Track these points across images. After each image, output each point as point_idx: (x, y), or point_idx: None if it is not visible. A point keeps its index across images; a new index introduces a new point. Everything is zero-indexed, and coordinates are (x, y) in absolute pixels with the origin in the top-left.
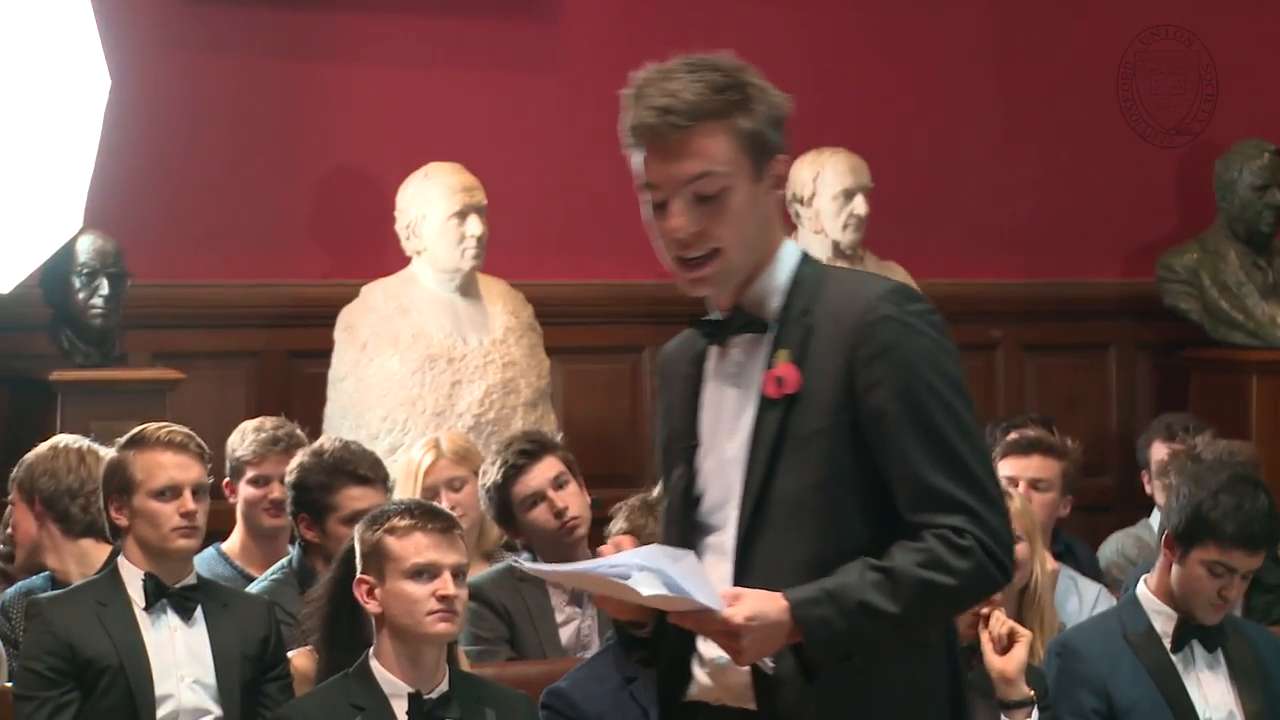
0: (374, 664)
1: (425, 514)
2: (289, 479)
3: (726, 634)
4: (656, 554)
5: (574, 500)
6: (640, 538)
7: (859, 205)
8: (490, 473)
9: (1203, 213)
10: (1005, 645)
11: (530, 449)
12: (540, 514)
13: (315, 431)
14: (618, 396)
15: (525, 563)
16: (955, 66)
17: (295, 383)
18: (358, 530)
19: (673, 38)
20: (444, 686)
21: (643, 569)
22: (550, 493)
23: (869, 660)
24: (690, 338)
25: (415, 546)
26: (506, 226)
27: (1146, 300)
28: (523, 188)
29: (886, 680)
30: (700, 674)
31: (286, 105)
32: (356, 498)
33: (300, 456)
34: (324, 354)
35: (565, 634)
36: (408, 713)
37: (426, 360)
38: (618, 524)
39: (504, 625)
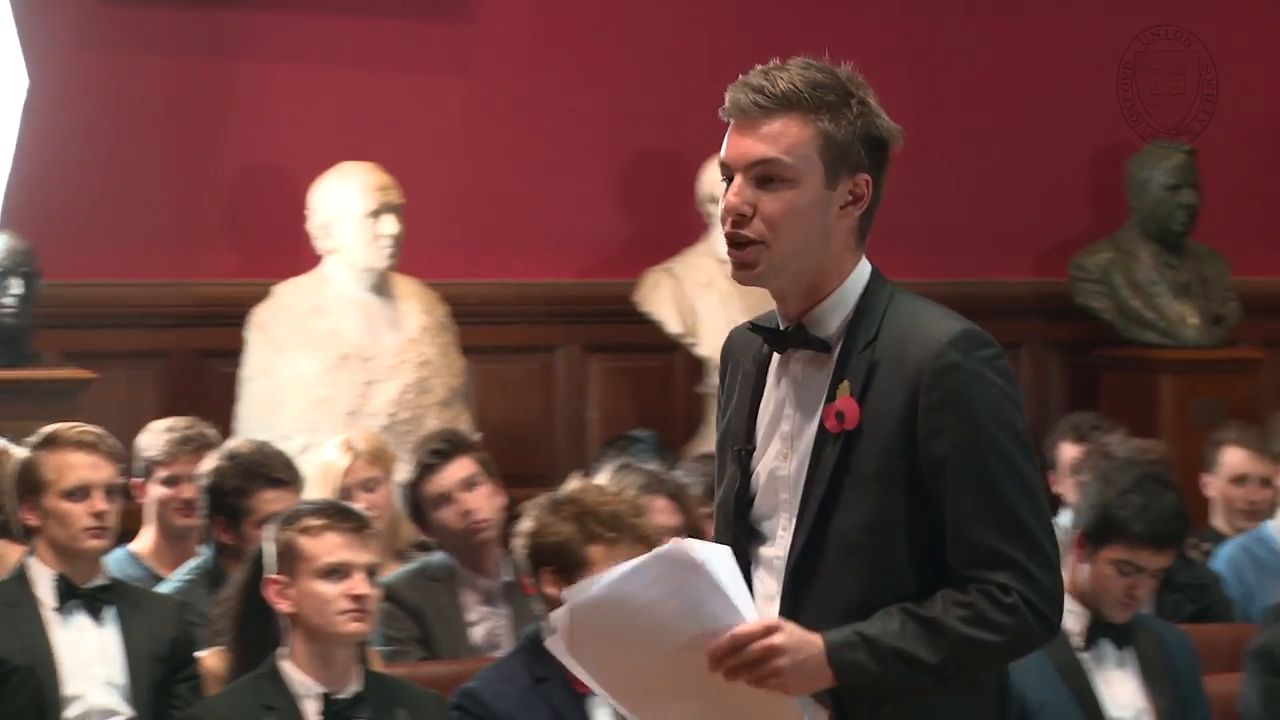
0: (285, 664)
1: (338, 514)
2: (203, 483)
3: (763, 666)
4: (693, 544)
5: (484, 502)
6: (545, 536)
7: None
8: (406, 471)
9: (1115, 213)
10: None
11: (443, 449)
12: (448, 514)
13: (226, 431)
14: (531, 396)
15: (570, 596)
16: (870, 68)
17: (207, 382)
18: (269, 530)
19: (586, 38)
20: (356, 686)
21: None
22: (458, 494)
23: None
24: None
25: (328, 546)
26: (421, 225)
27: (1059, 299)
28: (437, 187)
29: (936, 714)
30: None
31: (199, 104)
32: (272, 500)
33: (214, 460)
34: (236, 354)
35: (477, 634)
36: (319, 713)
37: (339, 360)
38: (525, 523)
39: (416, 625)
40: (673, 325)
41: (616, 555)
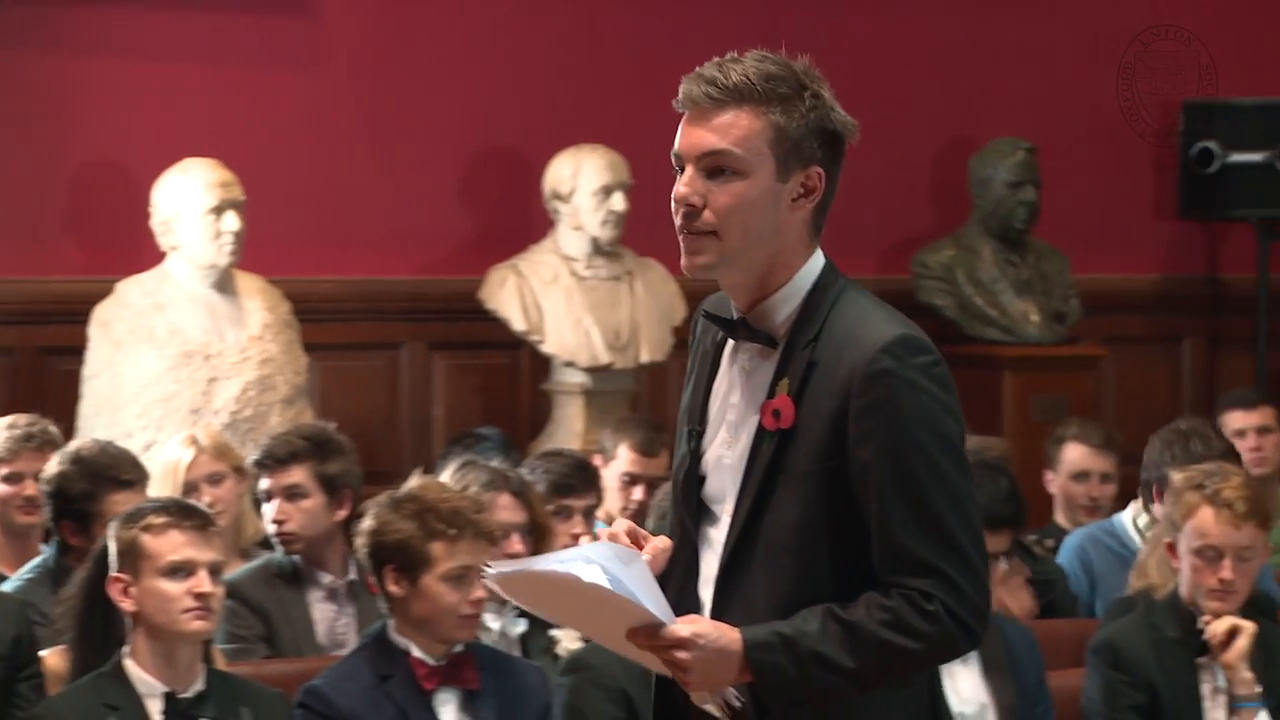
0: (128, 663)
1: (181, 511)
2: (47, 488)
3: (671, 655)
4: (605, 552)
5: (296, 515)
6: (386, 534)
7: (617, 202)
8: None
9: (958, 210)
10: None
11: (282, 456)
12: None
13: (69, 429)
14: (375, 393)
15: (492, 569)
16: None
17: (49, 380)
18: (112, 528)
19: (430, 34)
20: (199, 685)
21: (590, 562)
22: (278, 499)
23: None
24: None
25: (171, 544)
26: (264, 222)
27: (901, 296)
28: (280, 183)
29: (865, 712)
30: None
31: (40, 99)
32: (121, 503)
33: (58, 464)
34: (78, 351)
35: (321, 632)
36: (163, 712)
37: (182, 357)
38: (366, 522)
39: (260, 623)
40: (518, 322)
41: (458, 552)
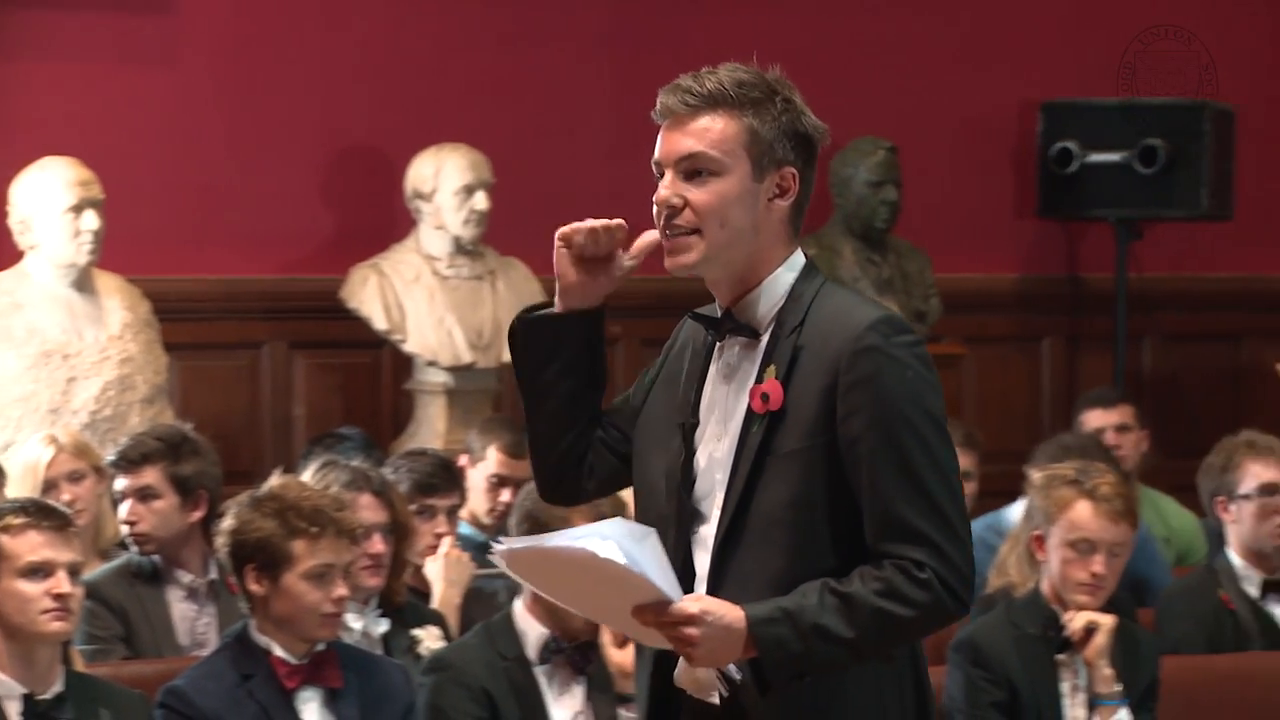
0: None
1: (39, 512)
2: None
3: (679, 631)
4: (620, 528)
5: (147, 515)
6: (246, 533)
7: (480, 201)
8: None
9: (818, 209)
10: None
11: (134, 457)
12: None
13: None
14: (236, 393)
15: (503, 544)
16: (576, 63)
17: None
18: None
19: (290, 32)
20: (58, 687)
21: (605, 538)
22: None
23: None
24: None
25: (29, 545)
26: (123, 221)
27: None
28: (140, 182)
29: (852, 691)
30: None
31: None
32: None
33: None
34: None
35: (182, 632)
36: (21, 714)
37: (41, 356)
38: (227, 521)
39: (120, 624)
40: (380, 321)
41: (319, 550)
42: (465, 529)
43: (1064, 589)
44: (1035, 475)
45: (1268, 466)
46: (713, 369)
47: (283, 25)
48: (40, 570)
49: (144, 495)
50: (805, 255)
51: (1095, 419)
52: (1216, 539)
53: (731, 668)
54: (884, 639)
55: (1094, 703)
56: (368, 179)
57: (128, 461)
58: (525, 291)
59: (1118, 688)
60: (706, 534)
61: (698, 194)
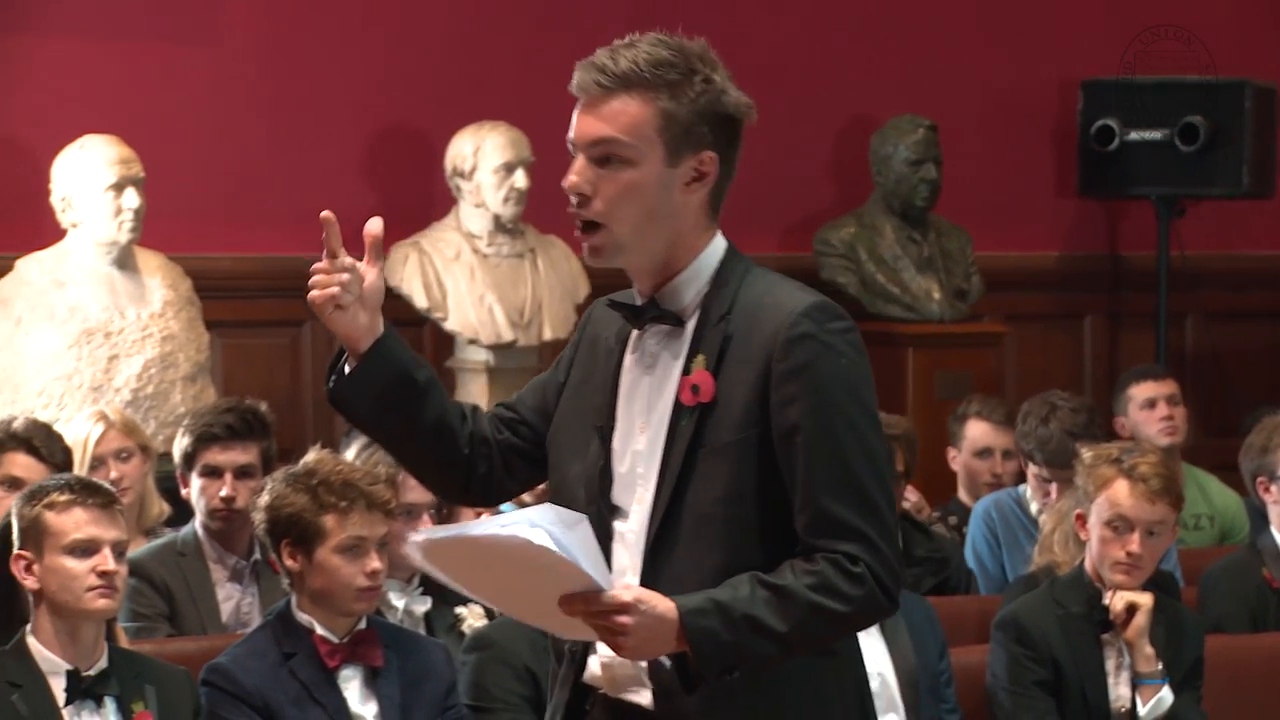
0: (31, 641)
1: (85, 489)
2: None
3: (610, 620)
4: (549, 514)
5: (244, 493)
6: (280, 509)
7: (519, 179)
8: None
9: (859, 187)
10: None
11: (238, 429)
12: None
13: None
14: (278, 371)
15: (420, 535)
16: (610, 39)
17: None
18: (15, 505)
19: (330, 10)
20: (103, 663)
21: (535, 525)
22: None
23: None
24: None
25: (75, 522)
26: (164, 199)
27: (804, 274)
28: (181, 160)
29: (793, 686)
30: (594, 663)
31: None
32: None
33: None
34: None
35: (226, 610)
36: (65, 690)
37: (83, 334)
38: (263, 498)
39: (164, 601)
40: (420, 300)
41: (350, 524)
42: (507, 506)
43: (1102, 567)
44: (1084, 454)
45: None
46: (629, 360)
47: (323, 2)
48: (85, 548)
49: (242, 472)
50: (726, 239)
51: (1147, 390)
52: (1260, 518)
53: (664, 662)
54: (816, 634)
55: (1136, 682)
56: (408, 157)
57: (233, 435)
58: (565, 269)
59: (1159, 666)
60: (625, 529)
61: (608, 183)
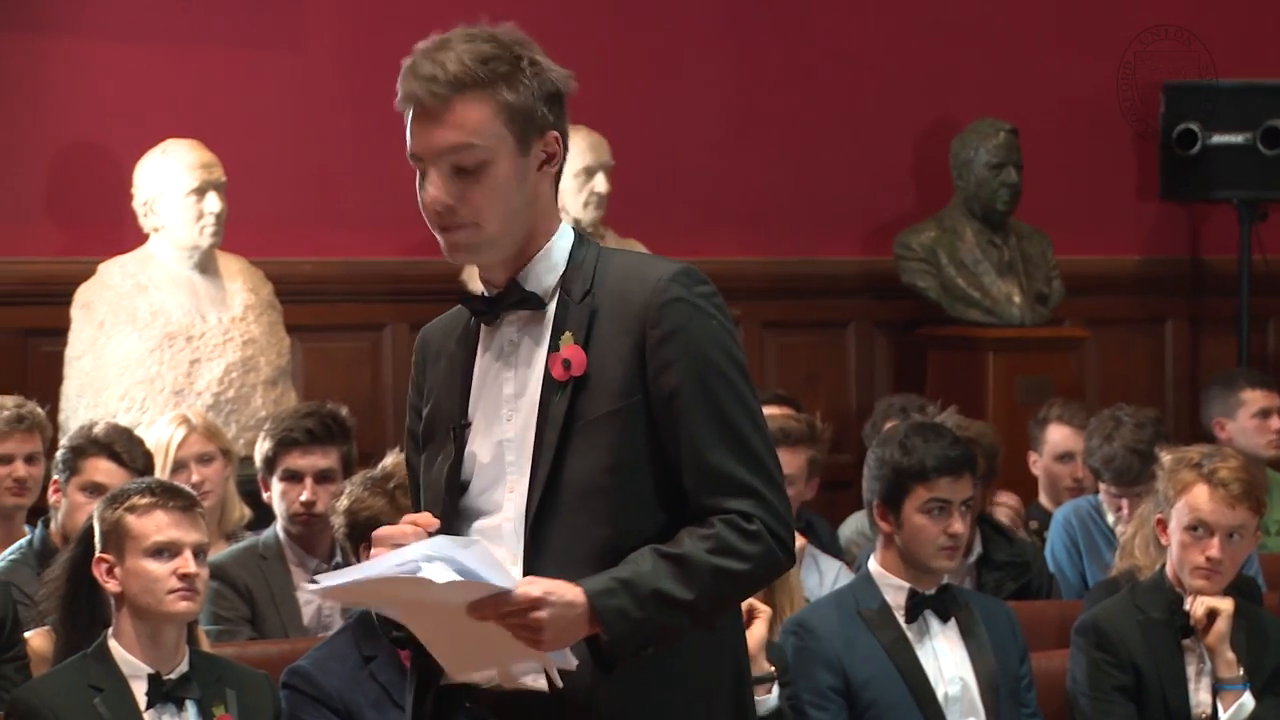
0: (113, 644)
1: (166, 492)
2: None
3: (524, 618)
4: (443, 544)
5: (325, 498)
6: (358, 513)
7: (600, 183)
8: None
9: (940, 191)
10: (745, 622)
11: (319, 433)
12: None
13: (52, 410)
14: (358, 375)
15: (318, 582)
16: (694, 44)
17: (31, 361)
18: (97, 509)
19: (412, 13)
20: (184, 667)
21: (431, 559)
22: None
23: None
24: (455, 316)
25: (156, 524)
26: (246, 203)
27: (884, 278)
28: (262, 164)
29: (676, 665)
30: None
31: (21, 79)
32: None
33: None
34: (60, 332)
35: (307, 614)
36: (147, 693)
37: (165, 338)
38: (342, 501)
39: (245, 605)
40: None
41: None
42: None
43: (1182, 572)
44: (1165, 458)
45: None
46: (483, 355)
47: (404, 6)
48: (166, 550)
49: (322, 477)
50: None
51: (1263, 399)
52: None
53: (568, 653)
54: (722, 597)
55: (1217, 688)
56: None
57: (314, 440)
58: None
59: (1240, 672)
60: (492, 525)
61: (472, 191)
